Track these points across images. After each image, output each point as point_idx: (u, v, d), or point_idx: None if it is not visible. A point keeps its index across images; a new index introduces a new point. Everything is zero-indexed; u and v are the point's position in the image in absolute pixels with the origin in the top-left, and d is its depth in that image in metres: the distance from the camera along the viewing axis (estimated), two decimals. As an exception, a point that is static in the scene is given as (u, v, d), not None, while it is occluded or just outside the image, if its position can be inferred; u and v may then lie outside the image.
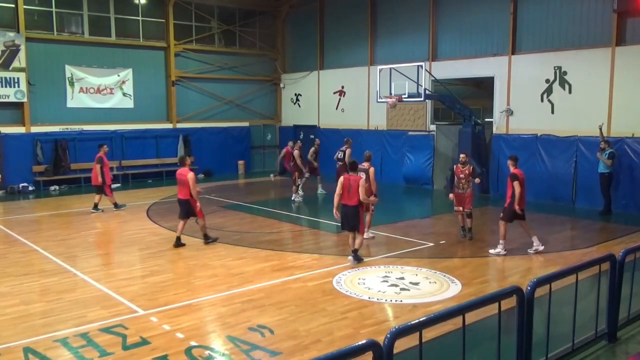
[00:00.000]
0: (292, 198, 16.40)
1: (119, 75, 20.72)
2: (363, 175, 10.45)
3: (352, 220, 9.49)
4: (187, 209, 10.92)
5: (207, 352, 6.09)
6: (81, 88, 19.95)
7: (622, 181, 14.04)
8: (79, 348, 6.15)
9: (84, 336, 6.46)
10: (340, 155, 15.77)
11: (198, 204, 10.91)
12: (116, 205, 14.91)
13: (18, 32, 18.38)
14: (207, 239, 11.10)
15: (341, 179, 9.56)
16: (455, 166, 11.51)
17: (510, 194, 10.29)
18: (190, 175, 10.68)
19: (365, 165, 11.12)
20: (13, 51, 18.18)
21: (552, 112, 15.97)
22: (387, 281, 8.58)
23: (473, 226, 11.53)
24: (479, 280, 8.77)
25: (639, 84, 14.22)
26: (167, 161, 21.77)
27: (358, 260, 9.56)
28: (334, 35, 22.64)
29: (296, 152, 16.45)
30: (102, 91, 20.44)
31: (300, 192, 16.52)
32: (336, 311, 7.30)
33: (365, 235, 10.53)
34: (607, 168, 13.70)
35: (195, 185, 10.71)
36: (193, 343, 6.27)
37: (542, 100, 16.15)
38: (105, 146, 15.24)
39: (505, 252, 10.27)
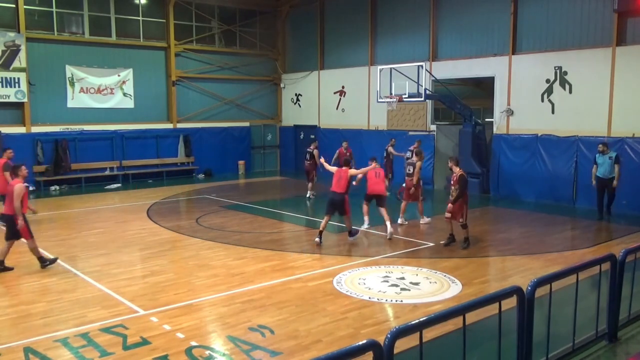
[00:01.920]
0: (308, 196, 16.93)
1: (119, 75, 20.72)
2: (411, 169, 12.75)
3: (339, 206, 10.96)
4: (13, 228, 9.10)
5: (207, 352, 6.09)
6: (82, 88, 19.95)
7: (622, 181, 13.97)
8: (79, 348, 6.15)
9: (84, 336, 6.46)
10: (409, 154, 16.01)
11: (20, 221, 8.97)
12: None
13: (18, 32, 18.39)
14: (44, 262, 9.33)
15: (336, 169, 11.38)
16: None
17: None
18: (17, 187, 8.93)
19: (415, 159, 13.04)
20: (13, 51, 18.19)
21: (553, 112, 15.96)
22: (387, 281, 8.58)
23: (469, 235, 10.77)
24: (480, 281, 8.77)
25: (639, 84, 14.21)
26: (168, 161, 21.79)
27: (354, 235, 11.23)
28: (335, 35, 22.64)
29: (316, 152, 16.73)
30: (103, 91, 20.44)
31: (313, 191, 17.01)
32: (336, 311, 7.30)
33: (422, 221, 12.88)
34: (612, 172, 13.14)
35: (18, 199, 8.85)
36: (193, 343, 6.27)
37: (542, 100, 16.15)
38: (9, 150, 13.13)
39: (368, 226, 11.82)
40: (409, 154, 16.03)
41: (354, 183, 12.51)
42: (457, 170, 10.58)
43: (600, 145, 13.40)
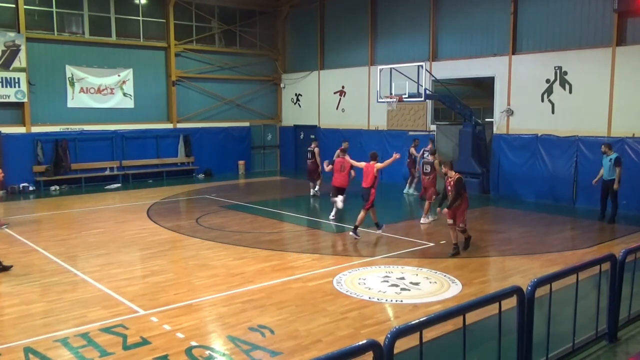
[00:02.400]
0: (315, 190, 17.08)
1: (119, 75, 20.71)
2: (428, 168, 13.53)
3: (365, 198, 11.55)
4: None
5: (207, 352, 6.10)
6: (82, 88, 19.94)
7: (622, 181, 13.95)
8: (79, 348, 6.15)
9: (84, 336, 6.46)
10: (426, 155, 16.03)
11: None
12: None
13: (18, 32, 18.38)
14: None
15: (364, 164, 11.82)
16: None
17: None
18: None
19: (431, 158, 13.57)
20: (13, 51, 18.19)
21: (553, 112, 15.96)
22: (387, 281, 8.58)
23: (468, 237, 10.42)
24: (479, 281, 8.77)
25: (639, 84, 14.21)
26: (168, 161, 21.79)
27: (356, 234, 11.37)
28: (335, 35, 22.64)
29: (317, 150, 16.85)
30: (103, 91, 20.44)
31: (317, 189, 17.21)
32: (336, 311, 7.30)
33: (423, 220, 13.00)
34: (611, 174, 12.80)
35: None
36: (193, 343, 6.27)
37: (542, 100, 16.15)
38: None
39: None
40: (426, 154, 15.82)
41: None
42: (452, 175, 10.09)
43: (602, 146, 13.17)
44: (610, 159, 12.90)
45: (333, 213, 13.45)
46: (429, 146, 16.17)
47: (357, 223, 11.45)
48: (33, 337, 6.44)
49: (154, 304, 7.57)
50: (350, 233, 11.44)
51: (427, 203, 13.21)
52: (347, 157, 12.96)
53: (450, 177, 10.14)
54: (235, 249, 10.72)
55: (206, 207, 15.43)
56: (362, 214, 11.48)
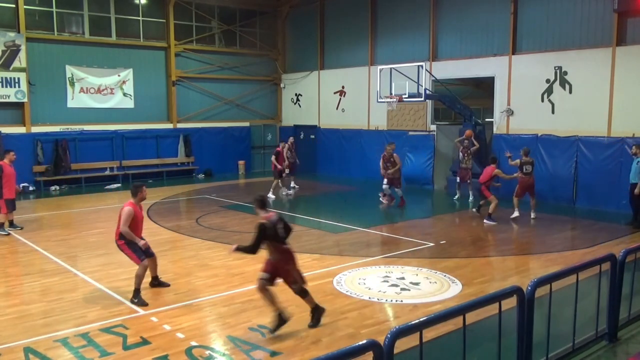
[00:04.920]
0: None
1: (119, 75, 20.71)
2: (529, 168, 13.54)
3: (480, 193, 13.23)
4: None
5: (207, 352, 6.10)
6: (82, 88, 19.94)
7: (622, 181, 13.97)
8: (79, 348, 6.15)
9: (84, 336, 6.46)
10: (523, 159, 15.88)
11: (141, 242, 8.10)
12: (11, 224, 12.23)
13: (18, 32, 18.38)
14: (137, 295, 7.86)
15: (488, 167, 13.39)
16: None
17: None
18: (125, 209, 8.00)
19: (527, 159, 13.61)
20: (13, 51, 18.18)
21: (553, 112, 15.96)
22: (387, 281, 8.57)
23: (315, 306, 6.86)
24: (480, 280, 8.76)
25: (639, 84, 14.21)
26: (168, 161, 21.79)
27: (491, 221, 12.83)
28: (335, 35, 22.64)
29: (396, 156, 15.75)
30: (103, 91, 20.44)
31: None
32: (336, 311, 7.29)
33: (486, 221, 13.20)
34: (635, 178, 12.32)
35: (126, 223, 7.96)
36: (193, 343, 6.27)
37: (542, 100, 16.15)
38: (11, 152, 12.39)
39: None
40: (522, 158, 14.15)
41: (495, 184, 13.60)
42: (261, 215, 6.79)
43: (633, 147, 12.61)
44: (638, 162, 12.22)
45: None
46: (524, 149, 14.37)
47: (489, 211, 12.90)
48: (33, 337, 6.43)
49: (154, 304, 7.57)
50: (485, 220, 12.86)
51: (493, 204, 13.09)
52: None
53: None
54: (235, 249, 10.69)
55: (206, 207, 15.43)
56: (492, 204, 12.98)
